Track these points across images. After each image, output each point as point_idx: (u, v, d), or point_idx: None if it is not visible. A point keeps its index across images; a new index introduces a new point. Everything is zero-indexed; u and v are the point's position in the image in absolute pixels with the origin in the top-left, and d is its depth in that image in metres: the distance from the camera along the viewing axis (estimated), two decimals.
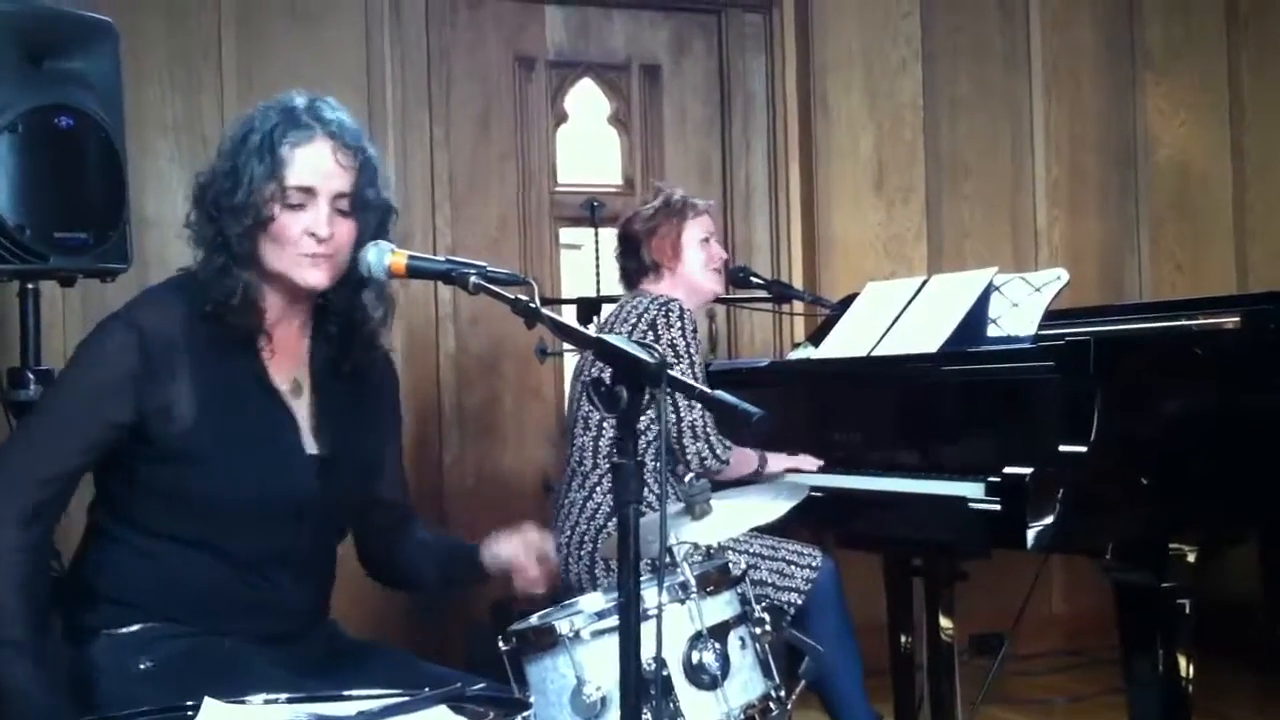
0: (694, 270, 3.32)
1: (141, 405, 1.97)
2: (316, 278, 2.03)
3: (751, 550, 3.02)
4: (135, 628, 2.00)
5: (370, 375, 2.20)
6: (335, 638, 2.21)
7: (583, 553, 3.08)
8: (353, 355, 2.13)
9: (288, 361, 2.11)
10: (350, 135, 2.04)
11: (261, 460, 2.03)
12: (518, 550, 2.20)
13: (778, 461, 3.18)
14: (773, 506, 2.23)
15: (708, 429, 3.06)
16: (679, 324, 3.09)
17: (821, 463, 3.17)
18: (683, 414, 3.05)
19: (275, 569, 2.06)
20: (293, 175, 1.99)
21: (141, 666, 1.96)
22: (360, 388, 2.17)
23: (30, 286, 3.07)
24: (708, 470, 3.04)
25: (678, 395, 3.04)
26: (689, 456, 3.05)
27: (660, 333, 3.08)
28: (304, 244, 2.00)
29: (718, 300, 3.64)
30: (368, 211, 2.04)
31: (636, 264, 3.35)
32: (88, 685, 1.97)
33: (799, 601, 3.01)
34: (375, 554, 2.32)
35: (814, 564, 3.06)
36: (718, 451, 3.07)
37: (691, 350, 3.09)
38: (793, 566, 3.04)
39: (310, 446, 2.09)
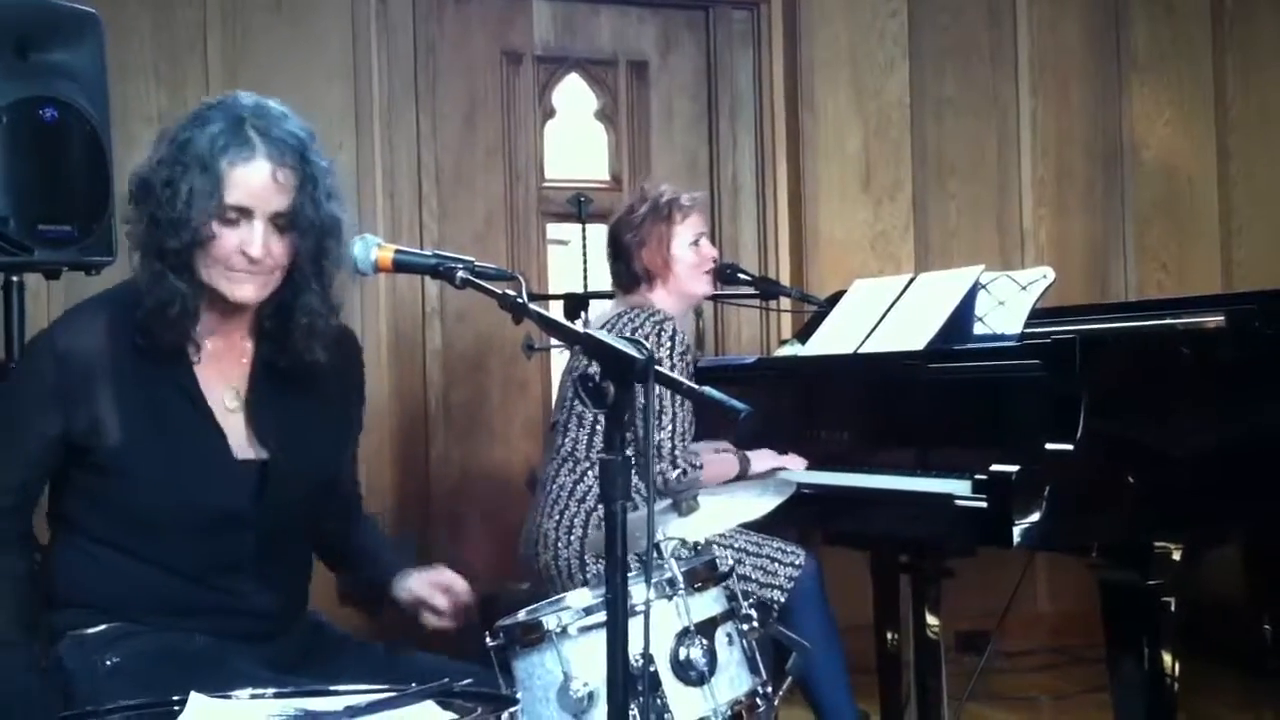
0: (685, 277, 3.32)
1: (68, 420, 1.98)
2: (246, 293, 2.01)
3: (736, 545, 3.03)
4: (100, 628, 2.00)
5: (328, 365, 2.14)
6: (319, 631, 2.20)
7: (572, 537, 3.07)
8: (289, 353, 2.08)
9: (228, 368, 2.08)
10: (292, 152, 1.99)
11: (188, 472, 2.01)
12: (425, 585, 2.19)
13: (762, 461, 3.18)
14: (760, 503, 2.24)
15: (675, 450, 3.05)
16: (669, 343, 3.09)
17: (806, 462, 3.17)
18: (649, 432, 3.04)
19: (228, 577, 2.04)
20: (230, 194, 1.96)
21: (108, 663, 1.96)
22: (314, 383, 2.13)
23: (15, 279, 3.05)
24: (670, 489, 3.02)
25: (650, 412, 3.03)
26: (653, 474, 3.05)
27: (649, 347, 3.08)
28: (235, 261, 1.98)
29: (705, 297, 3.64)
30: (308, 227, 2.01)
31: (628, 273, 3.35)
32: (57, 687, 1.96)
33: (781, 599, 3.01)
34: (328, 535, 2.29)
35: (797, 562, 3.06)
36: (684, 470, 3.05)
37: (676, 369, 3.08)
38: (776, 564, 3.05)
39: (245, 453, 2.06)
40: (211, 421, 2.05)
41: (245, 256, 1.97)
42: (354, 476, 2.36)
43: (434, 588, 2.20)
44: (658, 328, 3.12)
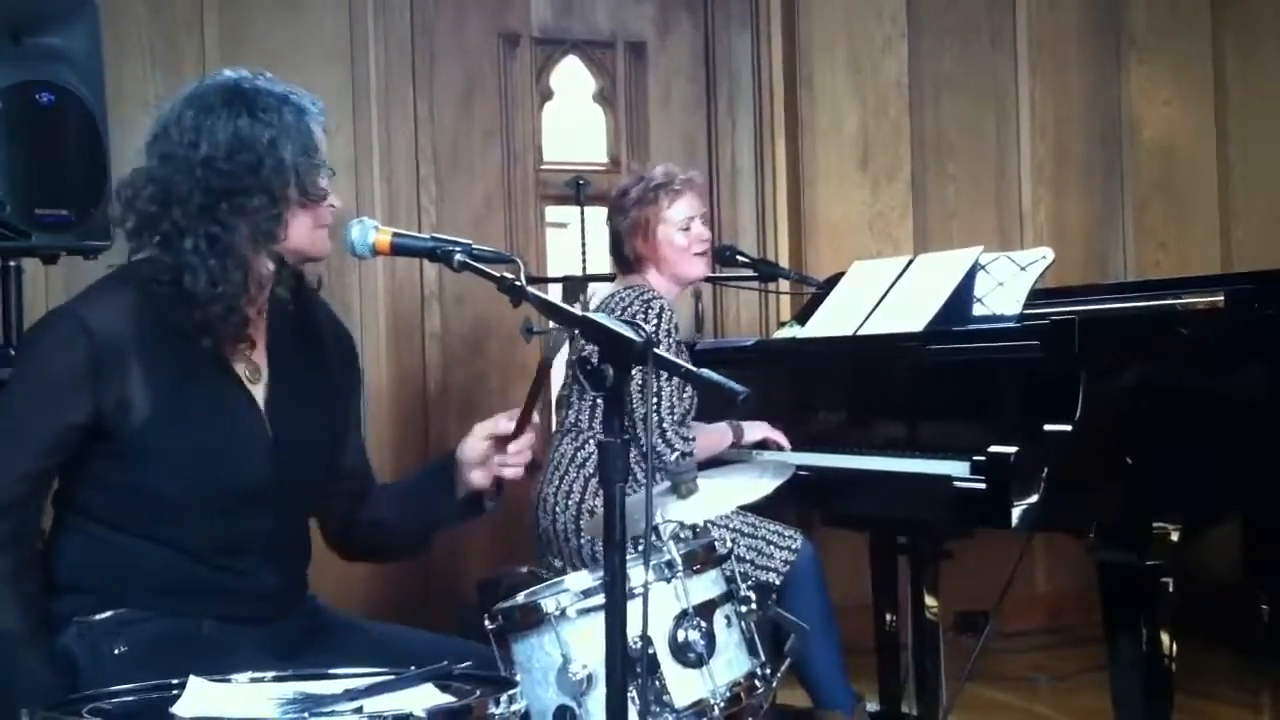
0: (675, 261, 3.32)
1: (98, 403, 1.94)
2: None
3: (731, 526, 3.04)
4: (106, 614, 1.99)
5: (328, 348, 2.19)
6: (317, 615, 2.20)
7: (569, 503, 3.12)
8: (303, 309, 2.13)
9: (246, 346, 2.08)
10: None
11: (223, 446, 2.01)
12: (487, 427, 2.13)
13: (755, 430, 3.21)
14: (758, 485, 2.24)
15: (663, 424, 3.08)
16: (656, 320, 3.12)
17: (788, 445, 3.19)
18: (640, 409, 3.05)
19: (238, 555, 2.04)
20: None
21: (116, 651, 1.95)
22: (319, 365, 2.16)
23: (12, 264, 3.05)
24: (667, 469, 3.04)
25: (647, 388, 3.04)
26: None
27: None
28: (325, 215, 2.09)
29: (704, 279, 3.64)
30: None
31: (621, 258, 3.38)
32: (65, 674, 1.95)
33: (776, 582, 3.02)
34: (340, 527, 2.27)
35: (793, 546, 3.07)
36: (676, 445, 3.08)
37: (663, 346, 3.08)
38: (771, 546, 3.06)
39: (269, 429, 2.07)
40: (245, 393, 2.05)
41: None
42: (365, 464, 2.32)
43: (495, 424, 2.12)
44: (645, 306, 3.14)
